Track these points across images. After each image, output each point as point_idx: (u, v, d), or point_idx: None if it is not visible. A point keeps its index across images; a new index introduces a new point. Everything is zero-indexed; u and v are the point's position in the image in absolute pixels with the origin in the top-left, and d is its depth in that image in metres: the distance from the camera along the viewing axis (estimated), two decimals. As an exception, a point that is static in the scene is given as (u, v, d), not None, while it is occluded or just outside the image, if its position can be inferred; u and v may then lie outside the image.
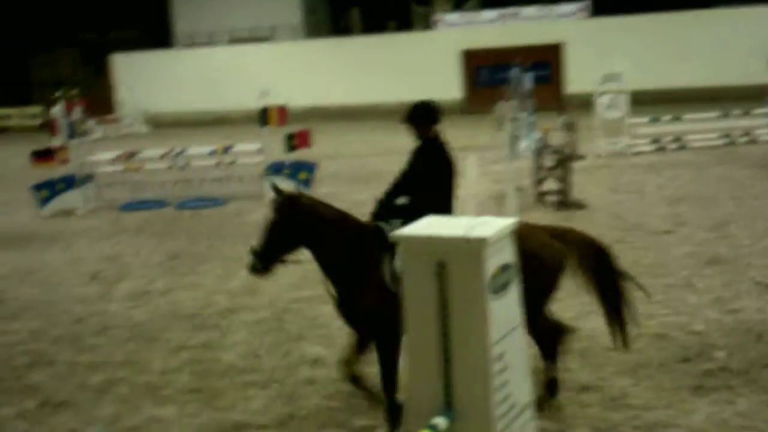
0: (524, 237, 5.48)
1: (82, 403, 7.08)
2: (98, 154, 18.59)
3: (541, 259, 5.90)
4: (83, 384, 7.53)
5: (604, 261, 6.28)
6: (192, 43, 45.20)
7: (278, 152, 17.11)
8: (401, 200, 6.26)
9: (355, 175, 19.62)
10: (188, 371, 7.63)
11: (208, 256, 12.46)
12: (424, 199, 6.02)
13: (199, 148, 18.49)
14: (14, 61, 48.40)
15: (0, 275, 12.04)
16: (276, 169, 16.79)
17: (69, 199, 16.94)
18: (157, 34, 47.15)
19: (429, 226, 4.71)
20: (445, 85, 39.23)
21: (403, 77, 39.56)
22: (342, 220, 6.13)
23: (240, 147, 18.15)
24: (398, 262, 5.70)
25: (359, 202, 15.52)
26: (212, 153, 17.96)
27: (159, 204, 17.00)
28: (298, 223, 5.98)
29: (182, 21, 46.59)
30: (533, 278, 5.51)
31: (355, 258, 6.02)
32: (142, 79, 42.53)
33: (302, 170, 16.99)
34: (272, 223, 6.01)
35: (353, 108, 39.65)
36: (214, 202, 16.84)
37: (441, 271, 4.44)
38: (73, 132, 17.77)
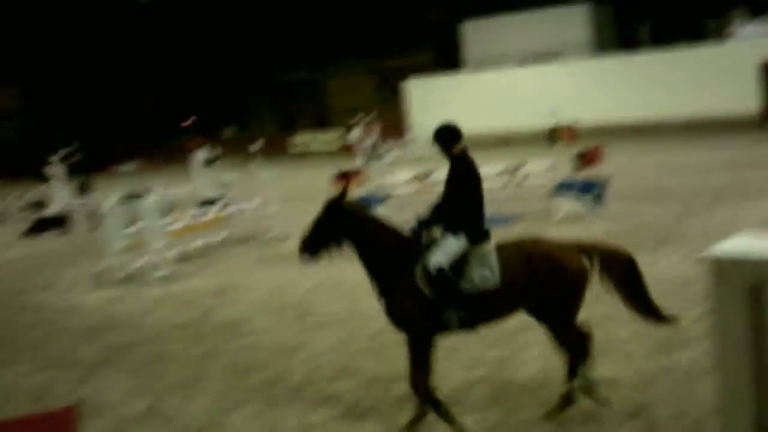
0: (558, 250, 6.80)
1: (386, 413, 7.39)
2: (394, 175, 19.34)
3: (566, 271, 6.66)
4: (385, 395, 7.86)
5: (629, 269, 6.84)
6: (481, 66, 46.00)
7: (567, 171, 16.96)
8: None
9: (645, 193, 19.00)
10: (484, 385, 7.74)
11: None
12: (457, 209, 6.87)
13: (488, 168, 18.71)
14: (313, 89, 51.64)
15: (307, 290, 12.87)
16: (565, 187, 16.63)
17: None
18: (447, 57, 48.46)
19: (742, 246, 4.46)
20: (742, 97, 37.07)
21: (694, 91, 37.90)
22: (380, 227, 7.02)
23: (529, 166, 18.18)
24: (430, 263, 6.68)
25: (647, 223, 15.09)
26: (501, 173, 18.12)
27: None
28: (338, 223, 6.97)
29: (472, 44, 47.57)
30: (559, 289, 6.65)
31: (390, 262, 6.89)
32: (434, 101, 43.83)
33: (592, 189, 16.72)
34: (318, 218, 7.09)
35: (643, 124, 38.43)
36: (504, 220, 16.98)
37: (756, 296, 4.19)
38: (371, 155, 18.68)
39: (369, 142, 19.83)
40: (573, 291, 6.74)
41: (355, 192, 18.24)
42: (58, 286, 15.16)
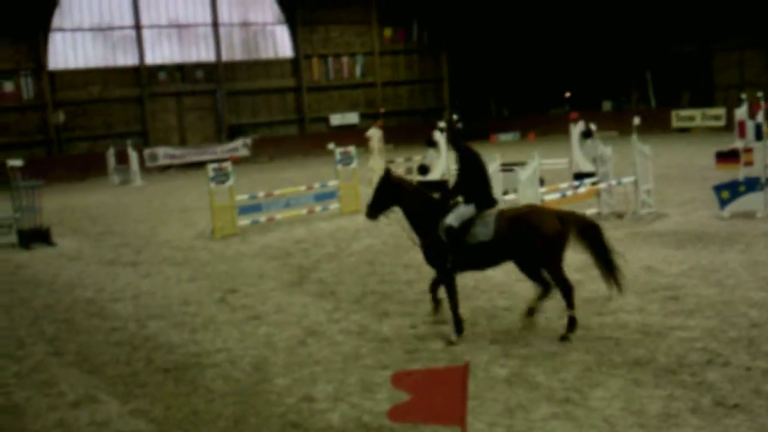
0: (537, 216, 9.62)
1: (756, 409, 6.94)
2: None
3: (545, 231, 9.40)
4: (758, 389, 7.37)
5: (596, 235, 9.56)
6: None
7: None
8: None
9: None
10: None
11: None
12: (467, 187, 9.86)
13: None
14: (697, 63, 48.99)
15: (678, 272, 12.37)
16: None
17: (750, 201, 16.59)
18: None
19: None
20: None
21: None
22: (418, 194, 10.21)
23: None
24: (446, 221, 9.65)
25: None
26: None
27: None
28: (390, 192, 10.13)
29: None
30: (536, 246, 9.43)
31: (424, 219, 9.95)
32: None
33: None
34: (376, 189, 10.25)
35: None
36: None
37: None
38: (759, 135, 17.38)
39: (757, 120, 18.42)
40: (547, 248, 9.47)
41: (740, 172, 17.13)
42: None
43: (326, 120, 54.82)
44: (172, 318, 11.88)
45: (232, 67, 52.29)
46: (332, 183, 22.53)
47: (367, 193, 24.42)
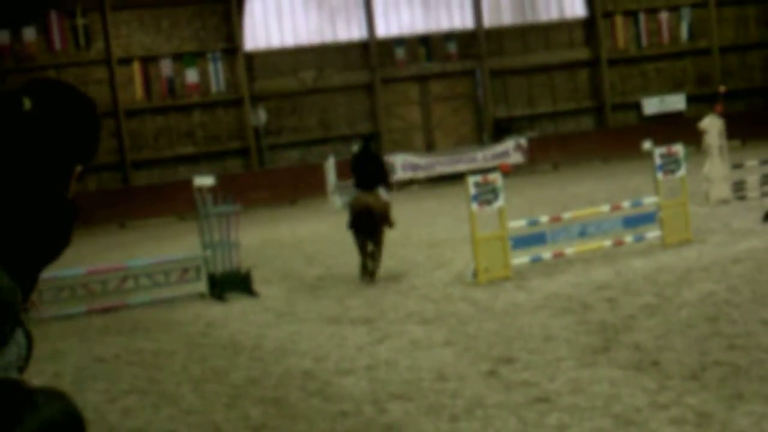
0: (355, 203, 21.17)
1: None
2: None
3: (373, 212, 20.59)
4: None
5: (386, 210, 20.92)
6: None
7: None
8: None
9: None
10: None
11: None
12: (361, 175, 21.11)
13: None
14: None
15: None
16: None
17: None
18: None
19: None
20: None
21: None
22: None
23: None
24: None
25: None
26: None
27: None
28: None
29: None
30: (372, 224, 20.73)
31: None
32: None
33: None
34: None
35: None
36: None
37: None
38: None
39: None
40: (361, 224, 20.47)
41: None
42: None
43: (637, 106, 54.45)
44: (422, 399, 12.13)
45: (499, 36, 53.13)
46: (649, 200, 22.25)
47: (700, 215, 24.03)
